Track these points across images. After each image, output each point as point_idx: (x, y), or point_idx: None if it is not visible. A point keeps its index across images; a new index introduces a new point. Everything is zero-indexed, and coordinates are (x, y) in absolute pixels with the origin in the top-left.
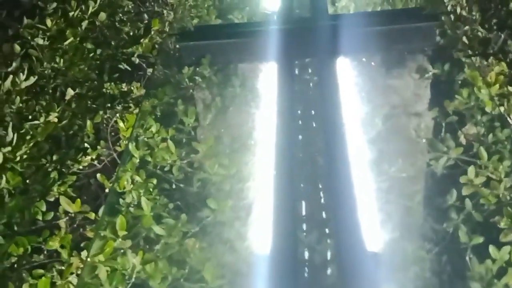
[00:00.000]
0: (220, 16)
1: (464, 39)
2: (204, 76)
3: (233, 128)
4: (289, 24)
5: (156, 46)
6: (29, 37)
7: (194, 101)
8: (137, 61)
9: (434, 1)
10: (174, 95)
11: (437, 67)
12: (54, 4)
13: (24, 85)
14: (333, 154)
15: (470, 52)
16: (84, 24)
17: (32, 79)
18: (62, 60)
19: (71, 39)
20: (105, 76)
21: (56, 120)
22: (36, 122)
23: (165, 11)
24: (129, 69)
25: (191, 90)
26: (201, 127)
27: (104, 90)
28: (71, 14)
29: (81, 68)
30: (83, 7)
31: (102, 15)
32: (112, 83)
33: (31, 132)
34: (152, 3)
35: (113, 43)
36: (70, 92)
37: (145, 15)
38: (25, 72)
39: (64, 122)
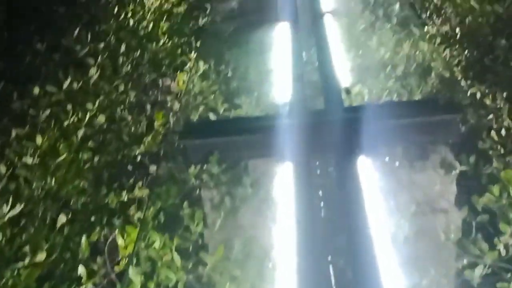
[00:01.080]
0: (227, 101)
1: (493, 133)
2: (212, 175)
3: (245, 233)
4: (302, 118)
5: (161, 138)
6: (16, 158)
7: (201, 202)
8: (139, 158)
9: (453, 86)
10: (180, 196)
11: (462, 159)
12: (47, 111)
13: (8, 216)
14: (358, 263)
15: (500, 148)
16: (81, 133)
17: (18, 208)
18: (54, 179)
19: (65, 155)
20: (103, 188)
21: (44, 257)
22: (21, 264)
23: (169, 100)
24: (130, 168)
25: (198, 190)
26: (209, 230)
27: (102, 202)
28: (66, 122)
29: (76, 185)
30: (79, 113)
31: (101, 118)
32: (112, 193)
33: (12, 280)
34: (156, 92)
35: (113, 143)
36: (61, 219)
37: (148, 106)
38: (10, 199)
39: (54, 255)
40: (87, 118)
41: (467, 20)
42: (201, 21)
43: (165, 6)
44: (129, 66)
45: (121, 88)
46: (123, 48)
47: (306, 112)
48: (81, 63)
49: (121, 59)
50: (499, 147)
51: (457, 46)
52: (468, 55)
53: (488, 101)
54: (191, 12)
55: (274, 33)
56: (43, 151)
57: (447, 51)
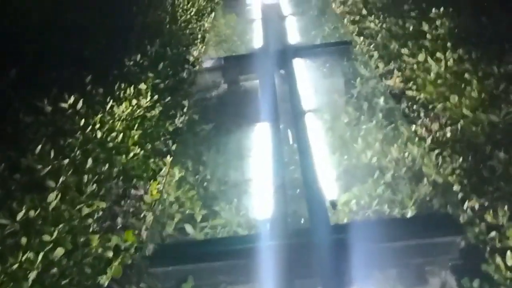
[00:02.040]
0: (206, 207)
1: (498, 260)
2: None
3: None
4: (285, 239)
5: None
6: None
7: None
8: (106, 283)
9: (447, 197)
10: None
11: (465, 283)
12: None
13: None
14: None
15: (506, 274)
16: (32, 275)
17: None
18: None
19: None
20: None
21: None
22: None
23: (141, 212)
24: None
25: None
26: None
27: None
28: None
29: None
30: (34, 248)
31: (60, 251)
32: None
33: None
34: (126, 206)
35: (74, 277)
36: None
37: (118, 220)
38: None
39: None
40: (42, 254)
41: (459, 125)
42: (178, 120)
43: (137, 112)
44: (95, 185)
45: (85, 210)
46: (89, 163)
47: (289, 231)
48: (41, 185)
49: (86, 177)
50: (505, 272)
51: (449, 151)
52: (463, 163)
53: (489, 217)
54: (167, 111)
55: (254, 134)
56: None
57: (439, 157)
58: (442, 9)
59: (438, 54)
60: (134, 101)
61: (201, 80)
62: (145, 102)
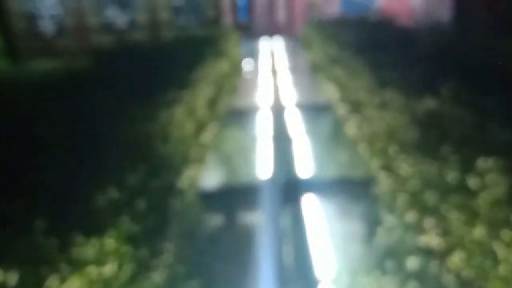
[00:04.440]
0: None
1: None
2: None
3: None
4: None
5: None
6: None
7: None
8: None
9: None
10: None
11: None
12: None
13: None
14: None
15: None
16: None
17: None
18: None
19: None
20: None
21: None
22: None
23: None
24: None
25: None
26: None
27: None
28: None
29: None
30: None
31: None
32: None
33: None
34: None
35: None
36: None
37: None
38: None
39: None
40: None
41: None
42: (156, 275)
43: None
44: None
45: None
46: None
47: None
48: None
49: None
50: None
51: None
52: None
53: None
54: (142, 265)
55: None
56: None
57: None
58: (491, 160)
59: (505, 235)
60: (93, 269)
61: (192, 215)
62: (108, 270)
